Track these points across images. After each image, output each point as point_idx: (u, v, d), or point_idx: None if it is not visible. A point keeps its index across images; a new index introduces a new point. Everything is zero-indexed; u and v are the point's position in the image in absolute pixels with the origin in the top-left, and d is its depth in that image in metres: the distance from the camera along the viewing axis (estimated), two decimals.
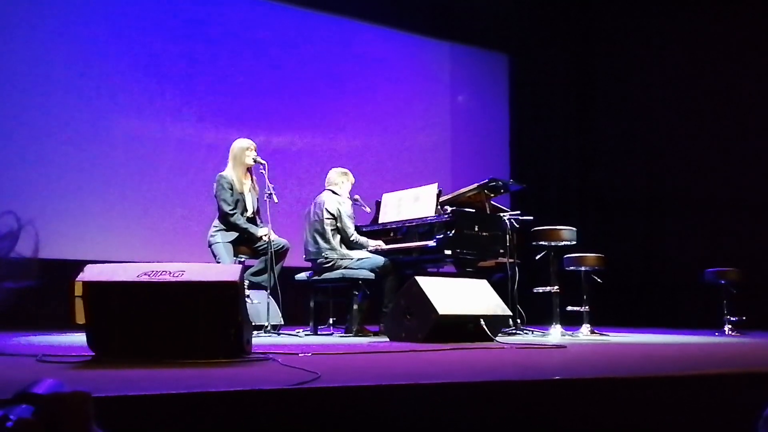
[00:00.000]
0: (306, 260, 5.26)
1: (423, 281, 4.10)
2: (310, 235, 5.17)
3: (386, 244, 5.25)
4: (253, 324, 4.33)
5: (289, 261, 5.08)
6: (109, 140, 6.39)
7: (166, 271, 2.57)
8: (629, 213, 8.09)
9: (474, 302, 4.20)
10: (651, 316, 7.30)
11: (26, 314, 4.57)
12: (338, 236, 5.09)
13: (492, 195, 5.45)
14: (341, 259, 5.03)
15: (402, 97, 8.10)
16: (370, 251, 5.13)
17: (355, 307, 4.98)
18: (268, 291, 4.76)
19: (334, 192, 5.24)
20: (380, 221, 5.57)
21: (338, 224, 5.08)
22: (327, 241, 5.06)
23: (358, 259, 5.02)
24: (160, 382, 1.89)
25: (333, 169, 5.38)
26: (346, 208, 5.13)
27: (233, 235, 4.85)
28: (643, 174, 8.05)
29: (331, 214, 5.07)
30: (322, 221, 5.08)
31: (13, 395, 0.86)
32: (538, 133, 8.81)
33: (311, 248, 5.15)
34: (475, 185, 5.34)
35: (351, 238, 5.09)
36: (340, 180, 5.29)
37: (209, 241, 4.88)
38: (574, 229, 5.39)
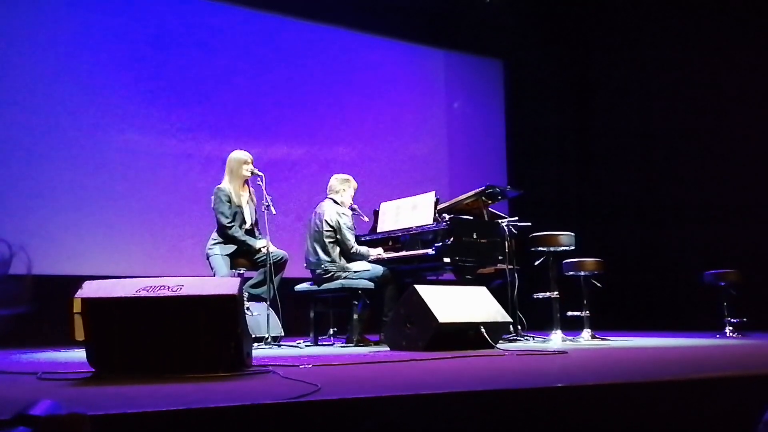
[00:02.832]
0: (306, 268, 5.25)
1: (422, 290, 4.09)
2: (310, 245, 5.17)
3: (385, 253, 5.25)
4: (254, 336, 4.33)
5: (289, 272, 5.08)
6: (106, 155, 6.38)
7: (164, 286, 2.57)
8: (628, 216, 8.09)
9: (474, 309, 4.19)
10: (651, 320, 7.28)
11: (26, 331, 4.55)
12: (338, 248, 5.08)
13: (490, 202, 5.45)
14: (340, 271, 5.02)
15: (398, 106, 8.12)
16: (371, 261, 5.12)
17: (355, 316, 4.97)
18: (268, 302, 4.75)
19: (334, 201, 5.23)
20: (378, 230, 5.57)
21: (337, 236, 5.07)
22: (327, 253, 5.05)
23: (356, 271, 5.02)
24: (160, 398, 1.89)
25: (334, 176, 5.36)
26: (346, 220, 5.11)
27: (232, 247, 4.84)
28: (641, 177, 8.06)
29: (331, 226, 5.06)
30: (321, 233, 5.07)
31: (11, 417, 0.86)
32: (535, 139, 8.82)
33: (311, 258, 5.15)
34: (473, 192, 5.34)
35: (351, 251, 5.07)
36: (341, 187, 5.27)
37: (207, 254, 4.87)
38: (573, 234, 5.38)
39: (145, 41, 6.73)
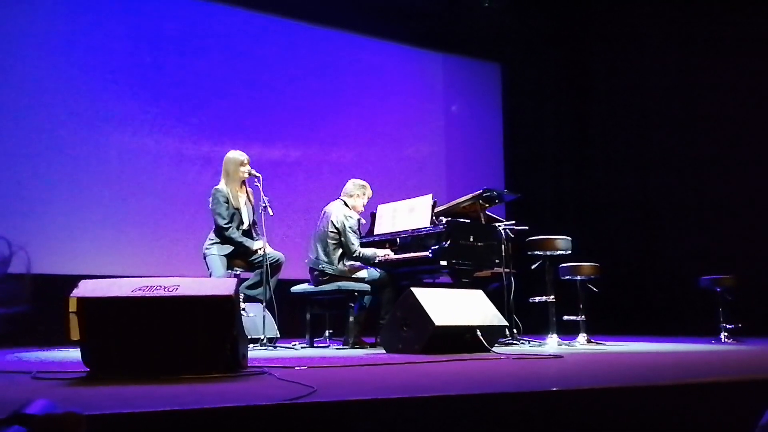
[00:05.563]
0: (307, 265, 5.24)
1: (419, 292, 4.09)
2: (313, 243, 5.17)
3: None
4: (249, 337, 4.32)
5: (285, 273, 5.07)
6: (103, 155, 6.38)
7: (160, 286, 2.57)
8: (624, 221, 8.10)
9: (470, 313, 4.19)
10: (647, 324, 7.29)
11: (20, 330, 4.53)
12: (339, 251, 5.06)
13: (487, 205, 5.45)
14: (336, 275, 5.01)
15: (396, 108, 8.12)
16: (378, 263, 5.10)
17: (352, 319, 4.96)
18: (264, 304, 4.75)
19: (345, 203, 5.22)
20: (375, 233, 5.56)
21: (341, 239, 5.06)
22: (327, 254, 5.04)
23: (355, 278, 5.01)
24: (155, 398, 1.88)
25: (352, 180, 5.35)
26: (351, 223, 5.08)
27: (229, 248, 4.83)
28: (637, 181, 8.07)
29: (336, 228, 5.05)
30: (326, 233, 5.06)
31: (6, 416, 0.86)
32: (533, 143, 8.83)
33: (312, 256, 5.15)
34: (470, 196, 5.34)
35: (354, 255, 5.05)
36: (356, 192, 5.26)
37: (204, 254, 4.86)
38: (569, 238, 5.39)
39: (144, 43, 6.72)
